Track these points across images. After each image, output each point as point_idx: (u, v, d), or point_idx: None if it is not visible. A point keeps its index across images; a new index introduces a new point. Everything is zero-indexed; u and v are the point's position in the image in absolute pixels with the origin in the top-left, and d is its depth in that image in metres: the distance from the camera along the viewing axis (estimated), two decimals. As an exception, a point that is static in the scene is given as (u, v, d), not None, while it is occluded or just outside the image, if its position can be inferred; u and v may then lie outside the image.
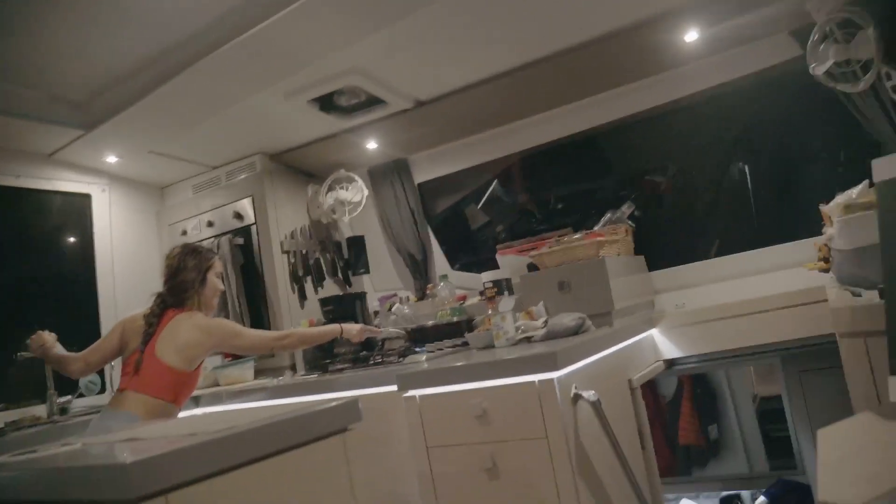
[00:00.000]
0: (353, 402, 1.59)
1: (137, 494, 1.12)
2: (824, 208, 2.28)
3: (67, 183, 3.99)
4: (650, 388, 3.74)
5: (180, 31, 2.92)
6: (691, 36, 3.02)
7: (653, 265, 3.41)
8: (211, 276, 2.71)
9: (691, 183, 3.68)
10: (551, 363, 1.99)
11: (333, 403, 1.55)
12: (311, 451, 1.45)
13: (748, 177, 3.52)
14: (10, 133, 3.50)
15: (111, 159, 3.95)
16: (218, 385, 3.52)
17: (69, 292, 4.11)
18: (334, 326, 2.89)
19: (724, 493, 3.48)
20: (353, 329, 2.90)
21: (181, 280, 2.63)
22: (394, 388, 2.32)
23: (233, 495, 1.26)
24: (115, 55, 3.06)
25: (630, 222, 3.28)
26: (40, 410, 3.43)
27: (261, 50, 2.90)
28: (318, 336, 2.88)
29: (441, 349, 2.86)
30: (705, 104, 3.42)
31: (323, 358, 3.14)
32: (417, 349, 2.90)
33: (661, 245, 3.54)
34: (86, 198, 4.10)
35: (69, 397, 3.54)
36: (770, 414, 3.58)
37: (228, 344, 2.64)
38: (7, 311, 3.76)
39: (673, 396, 3.83)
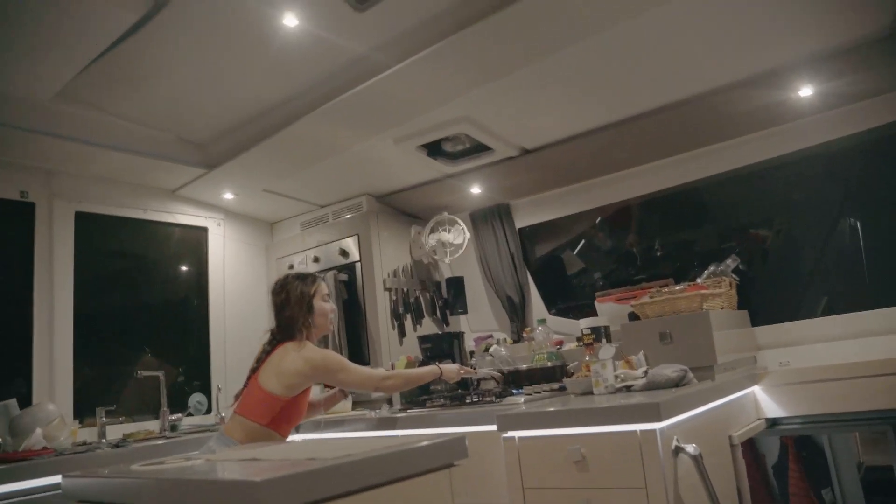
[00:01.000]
0: (461, 438, 1.64)
1: None
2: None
3: (188, 217, 4.31)
4: (752, 448, 3.61)
5: (301, 81, 3.14)
6: (805, 92, 3.00)
7: (756, 321, 3.34)
8: (317, 302, 2.70)
9: (799, 238, 3.59)
10: (654, 414, 1.99)
11: (442, 439, 1.61)
12: (420, 482, 1.50)
13: (860, 233, 3.40)
14: (140, 171, 3.84)
15: (228, 196, 4.25)
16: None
17: (184, 318, 4.40)
18: (433, 368, 2.89)
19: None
20: (451, 370, 2.92)
21: (287, 316, 2.66)
22: (490, 427, 2.36)
23: None
24: (238, 101, 3.31)
25: (734, 276, 3.23)
26: (153, 425, 3.67)
27: (375, 100, 3.08)
28: (419, 378, 2.86)
29: (538, 392, 2.88)
30: (816, 159, 3.36)
31: (419, 394, 3.22)
32: (514, 391, 2.93)
33: (766, 300, 3.45)
34: (203, 231, 4.42)
35: (179, 415, 3.77)
36: (875, 485, 3.38)
37: (333, 378, 2.64)
38: (129, 333, 4.05)
39: (778, 459, 3.67)
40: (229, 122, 3.53)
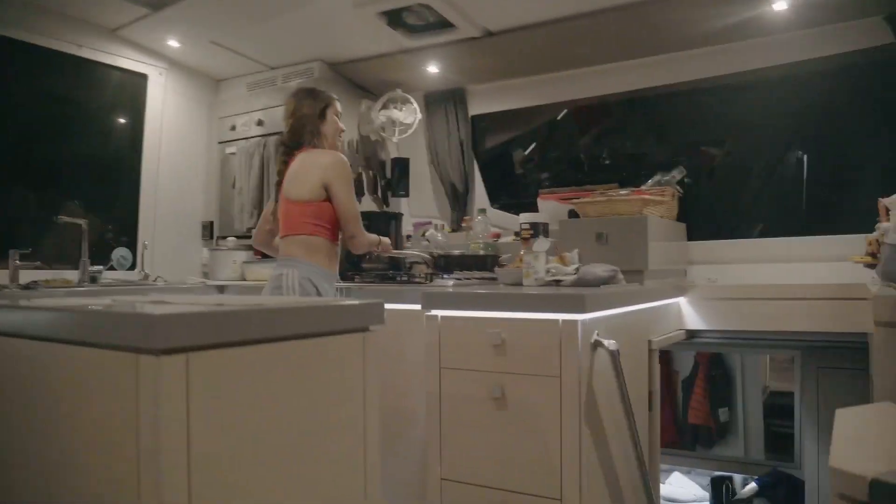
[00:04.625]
0: (379, 304, 1.60)
1: (162, 346, 1.14)
2: (883, 201, 2.22)
3: (127, 60, 4.02)
4: (667, 362, 3.73)
5: None
6: (780, 5, 2.90)
7: (693, 236, 3.37)
8: (330, 114, 2.66)
9: (747, 161, 3.59)
10: (578, 305, 1.99)
11: (358, 301, 1.57)
12: (332, 341, 1.46)
13: (805, 165, 3.42)
14: (77, 2, 3.52)
15: (172, 43, 3.97)
16: (245, 280, 3.59)
17: (115, 169, 4.19)
18: (378, 237, 2.76)
19: (717, 474, 3.49)
20: (387, 243, 2.85)
21: (299, 117, 2.61)
22: (416, 307, 2.34)
23: (251, 367, 1.28)
24: None
25: (678, 188, 3.22)
26: (72, 275, 3.54)
27: None
28: (372, 242, 2.72)
29: (469, 279, 2.87)
30: (777, 81, 3.31)
31: (351, 270, 3.17)
32: (444, 275, 2.91)
33: (705, 217, 3.48)
34: (143, 78, 4.14)
35: (101, 268, 3.64)
36: (776, 409, 3.56)
37: (338, 186, 2.52)
38: (54, 178, 3.85)
39: (688, 375, 3.82)
40: None
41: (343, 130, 2.74)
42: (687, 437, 3.78)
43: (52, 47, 3.66)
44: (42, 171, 3.79)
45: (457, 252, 3.11)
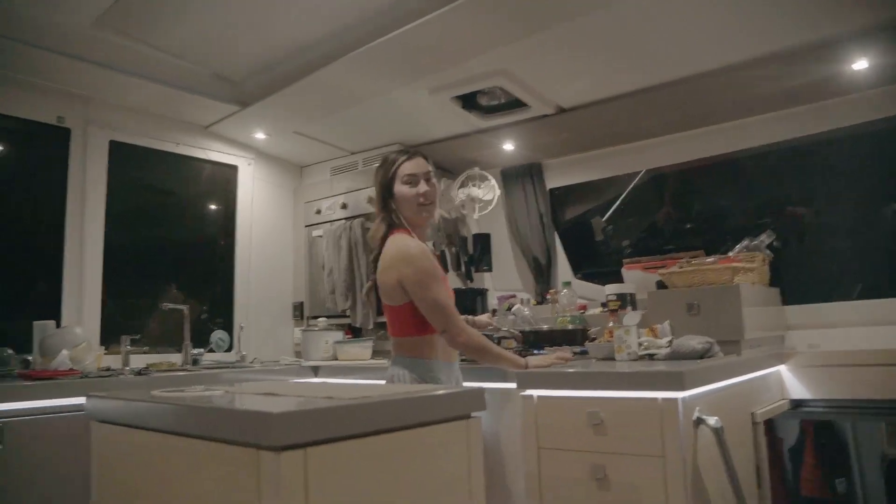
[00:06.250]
0: (479, 390, 1.63)
1: (282, 443, 1.19)
2: None
3: (219, 154, 4.31)
4: (769, 429, 3.56)
5: (336, 22, 3.07)
6: (860, 65, 2.87)
7: (788, 300, 3.26)
8: (397, 186, 2.30)
9: (838, 218, 3.48)
10: (677, 382, 1.96)
11: (459, 389, 1.60)
12: (437, 430, 1.49)
13: (902, 219, 3.29)
14: (174, 104, 3.83)
15: (259, 135, 4.23)
16: (336, 360, 3.67)
17: (210, 255, 4.43)
18: (517, 358, 2.39)
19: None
20: (542, 362, 2.47)
21: (376, 194, 2.34)
22: (509, 385, 2.35)
23: (362, 459, 1.32)
24: (273, 39, 3.26)
25: (768, 251, 3.15)
26: (175, 358, 3.72)
27: (411, 46, 3.00)
28: (496, 357, 2.34)
29: (558, 354, 2.85)
30: (863, 137, 3.23)
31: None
32: (535, 351, 2.91)
33: (799, 280, 3.37)
34: (233, 169, 4.41)
35: (202, 350, 3.81)
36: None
37: (409, 286, 2.20)
38: (155, 266, 4.09)
39: (794, 444, 3.63)
40: (262, 60, 3.49)
41: (421, 194, 2.30)
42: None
43: (152, 147, 3.99)
44: (144, 258, 4.05)
45: (545, 327, 3.11)
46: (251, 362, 3.97)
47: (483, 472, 1.57)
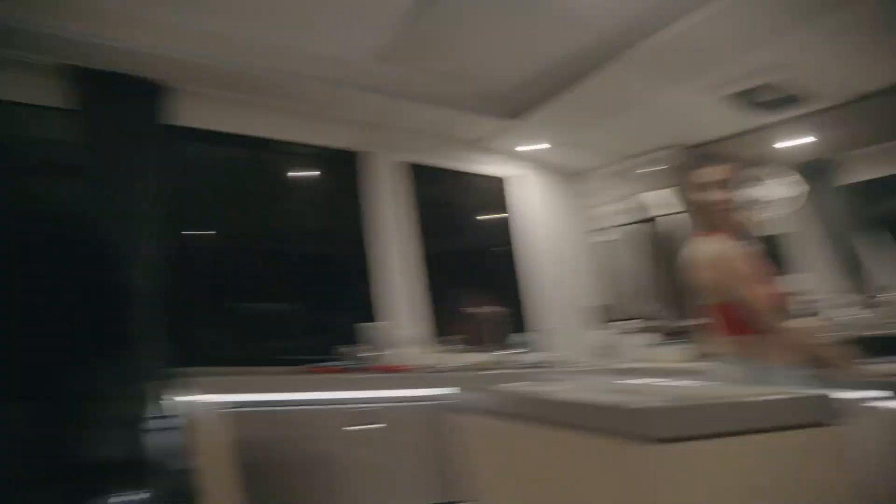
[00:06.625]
0: (850, 400, 1.51)
1: (660, 436, 1.26)
2: None
3: (488, 167, 4.55)
4: None
5: (600, 31, 3.13)
6: None
7: None
8: (694, 195, 2.38)
9: None
10: None
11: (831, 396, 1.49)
12: (798, 435, 1.41)
13: None
14: (445, 122, 4.09)
15: (527, 147, 4.38)
16: (643, 362, 3.68)
17: (491, 260, 4.69)
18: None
19: None
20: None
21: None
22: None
23: (724, 460, 1.32)
24: (535, 53, 3.41)
25: None
26: (487, 357, 3.98)
27: (681, 47, 2.97)
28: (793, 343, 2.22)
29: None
30: None
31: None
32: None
33: None
34: (506, 180, 4.65)
35: (522, 349, 4.07)
36: None
37: (723, 286, 2.24)
38: (458, 275, 4.43)
39: None
40: (525, 74, 3.64)
41: (719, 200, 2.34)
42: None
43: (436, 164, 4.36)
44: (449, 269, 4.38)
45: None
46: (556, 363, 4.10)
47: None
